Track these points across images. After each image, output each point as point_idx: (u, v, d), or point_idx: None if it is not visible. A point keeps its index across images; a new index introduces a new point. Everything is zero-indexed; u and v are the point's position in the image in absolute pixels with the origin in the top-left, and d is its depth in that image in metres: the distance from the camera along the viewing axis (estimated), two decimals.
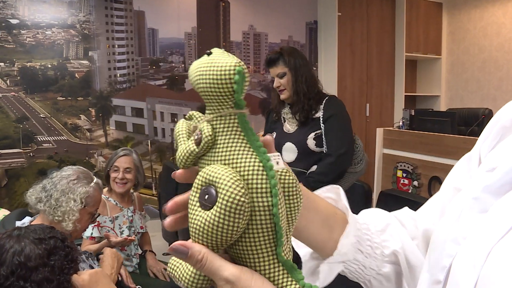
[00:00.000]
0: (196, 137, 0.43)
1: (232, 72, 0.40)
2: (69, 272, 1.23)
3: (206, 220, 0.39)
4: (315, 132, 2.33)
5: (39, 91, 3.91)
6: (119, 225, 2.47)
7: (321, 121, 2.33)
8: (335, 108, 2.34)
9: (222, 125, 0.42)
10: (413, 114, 4.15)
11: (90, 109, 4.14)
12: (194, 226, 0.41)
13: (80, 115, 4.09)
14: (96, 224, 2.36)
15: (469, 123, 4.15)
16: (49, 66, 3.94)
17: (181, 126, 0.46)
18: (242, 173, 0.40)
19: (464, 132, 3.82)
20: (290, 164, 2.36)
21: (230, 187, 0.38)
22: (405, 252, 0.64)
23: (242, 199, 0.38)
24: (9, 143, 3.77)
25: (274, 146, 0.48)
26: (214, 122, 0.43)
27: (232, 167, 0.41)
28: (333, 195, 0.67)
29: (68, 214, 1.74)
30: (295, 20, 5.21)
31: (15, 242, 1.20)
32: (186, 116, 0.47)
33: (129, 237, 2.25)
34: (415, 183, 3.79)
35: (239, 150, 0.41)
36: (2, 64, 3.77)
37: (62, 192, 1.76)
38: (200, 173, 0.41)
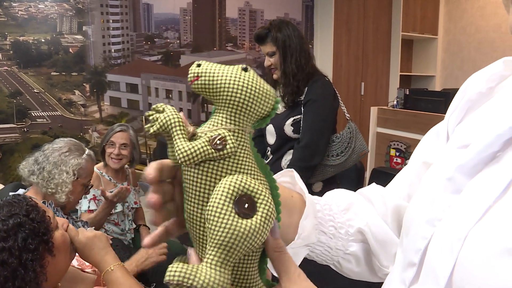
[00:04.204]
0: (215, 141, 0.43)
1: (275, 99, 0.45)
2: (38, 248, 1.10)
3: (249, 227, 0.41)
4: (294, 118, 2.15)
5: (33, 65, 3.87)
6: None
7: (302, 105, 2.15)
8: (315, 92, 2.12)
9: (238, 138, 0.44)
10: (407, 93, 4.16)
11: (84, 84, 4.11)
12: (232, 232, 0.41)
13: (75, 91, 4.07)
14: (92, 197, 2.38)
15: None
16: (43, 40, 3.89)
17: (176, 117, 0.43)
18: None
19: None
20: (269, 147, 2.30)
21: (269, 199, 0.43)
22: (371, 229, 0.63)
23: (274, 210, 0.44)
24: (3, 118, 3.76)
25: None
26: (232, 133, 0.44)
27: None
28: (289, 178, 0.65)
29: (61, 186, 1.76)
30: None
31: None
32: (157, 109, 0.44)
33: (124, 186, 2.26)
34: (408, 162, 3.82)
35: (253, 166, 0.45)
36: None
37: (55, 165, 1.77)
38: (227, 182, 0.42)
